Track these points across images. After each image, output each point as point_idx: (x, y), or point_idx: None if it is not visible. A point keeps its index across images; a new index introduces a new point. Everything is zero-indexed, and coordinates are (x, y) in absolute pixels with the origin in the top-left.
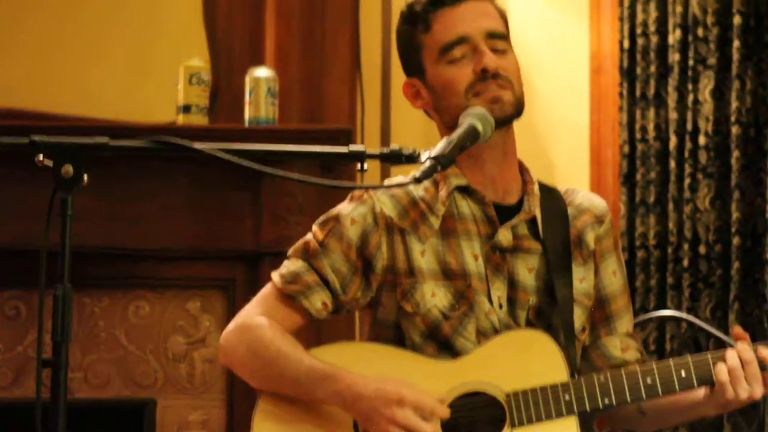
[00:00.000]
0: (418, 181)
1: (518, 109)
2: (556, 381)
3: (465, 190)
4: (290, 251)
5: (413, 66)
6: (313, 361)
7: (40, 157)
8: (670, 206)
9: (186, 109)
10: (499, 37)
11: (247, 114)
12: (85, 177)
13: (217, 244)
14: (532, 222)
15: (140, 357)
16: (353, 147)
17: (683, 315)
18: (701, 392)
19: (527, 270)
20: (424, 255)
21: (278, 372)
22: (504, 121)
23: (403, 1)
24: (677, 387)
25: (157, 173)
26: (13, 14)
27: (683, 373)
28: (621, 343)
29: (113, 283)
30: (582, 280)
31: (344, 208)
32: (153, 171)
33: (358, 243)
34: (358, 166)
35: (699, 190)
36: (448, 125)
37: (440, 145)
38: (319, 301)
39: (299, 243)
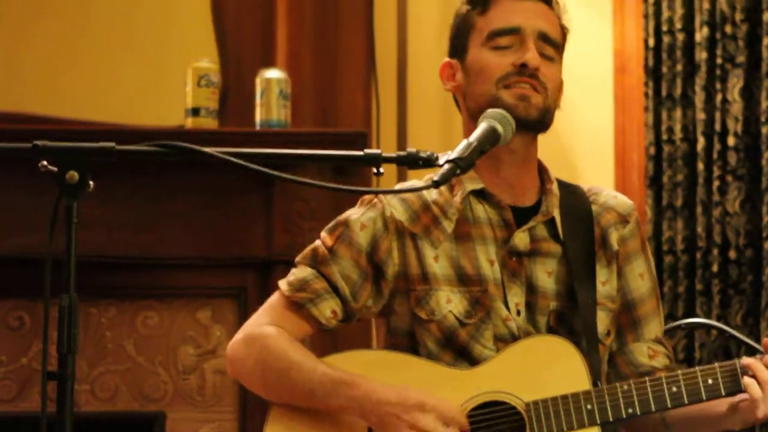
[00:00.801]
0: (437, 184)
1: (543, 116)
2: (577, 389)
3: (480, 194)
4: (298, 258)
5: (458, 47)
6: (327, 368)
7: (44, 162)
8: (699, 210)
9: (195, 112)
10: (551, 44)
11: (258, 117)
12: (91, 183)
13: (228, 252)
14: (551, 223)
15: (149, 369)
16: (369, 150)
17: (713, 322)
18: (725, 405)
19: (546, 274)
20: (437, 260)
21: (290, 382)
22: (526, 124)
23: (419, 2)
24: (704, 396)
25: (165, 179)
26: (22, 18)
27: (710, 381)
28: (648, 350)
29: (120, 293)
30: (605, 282)
31: (353, 213)
32: (160, 176)
33: (368, 249)
34: (374, 169)
35: (728, 192)
36: (471, 112)
37: (459, 148)
38: (328, 309)
39: (307, 249)
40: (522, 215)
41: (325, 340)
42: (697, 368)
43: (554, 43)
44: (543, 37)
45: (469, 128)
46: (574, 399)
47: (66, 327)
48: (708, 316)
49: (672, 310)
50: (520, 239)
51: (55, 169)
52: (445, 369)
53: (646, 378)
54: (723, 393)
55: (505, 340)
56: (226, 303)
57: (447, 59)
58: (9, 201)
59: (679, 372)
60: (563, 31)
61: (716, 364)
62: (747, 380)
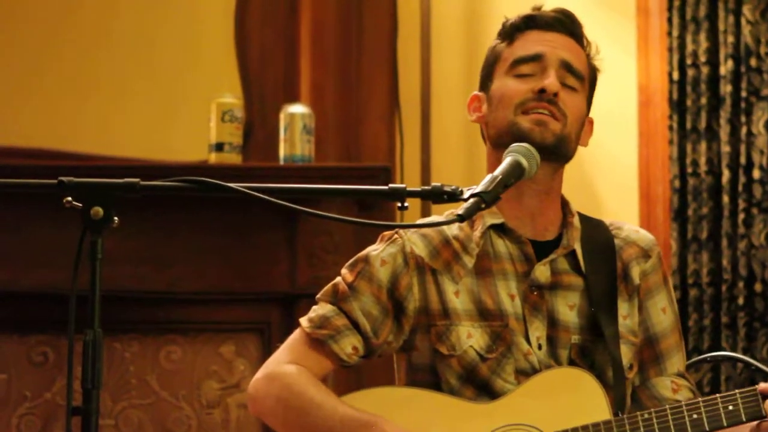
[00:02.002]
0: (461, 219)
1: (559, 143)
2: (598, 420)
3: (500, 228)
4: (319, 295)
5: (485, 79)
6: (348, 409)
7: (69, 198)
8: (724, 242)
9: (218, 147)
10: (574, 74)
11: (282, 152)
12: (116, 219)
13: (251, 286)
14: (572, 256)
15: (173, 403)
16: (394, 185)
17: (739, 355)
18: (747, 430)
19: (568, 307)
20: (458, 295)
21: (311, 422)
22: (542, 149)
23: (443, 36)
24: (725, 422)
25: (189, 213)
26: (42, 54)
27: (731, 407)
28: (672, 384)
29: (144, 328)
30: (626, 317)
31: (374, 249)
32: (184, 211)
33: (389, 284)
34: (399, 204)
35: (754, 225)
36: (492, 140)
37: (484, 182)
38: (349, 346)
39: (328, 286)
40: (543, 249)
41: (350, 376)
42: (717, 395)
43: (578, 74)
44: (566, 66)
45: (492, 159)
46: (595, 429)
47: (90, 362)
48: (734, 349)
49: (697, 343)
50: (541, 272)
51: (80, 205)
52: (467, 403)
53: (667, 406)
54: (744, 419)
55: (527, 374)
56: (250, 337)
57: (475, 92)
58: (33, 237)
59: (700, 399)
60: (591, 69)
61: (737, 391)
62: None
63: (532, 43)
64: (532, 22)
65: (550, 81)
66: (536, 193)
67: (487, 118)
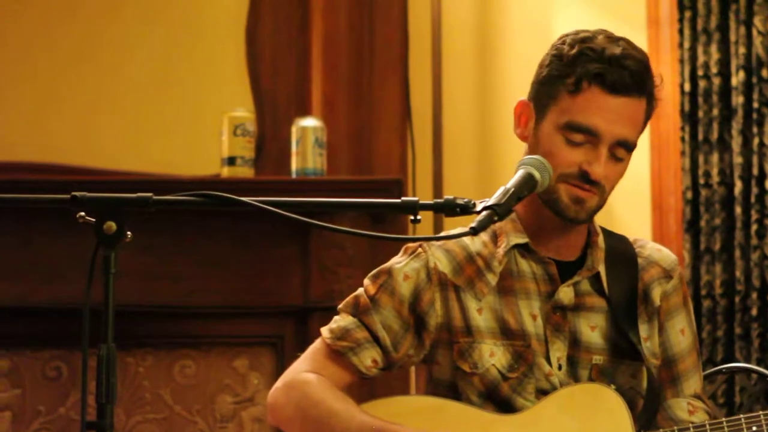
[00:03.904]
0: (474, 231)
1: (591, 216)
2: None
3: (524, 248)
4: (341, 306)
5: (539, 100)
6: (366, 416)
7: (82, 213)
8: (737, 253)
9: (231, 161)
10: (625, 147)
11: (294, 165)
12: (129, 233)
13: (265, 300)
14: (595, 277)
15: (187, 418)
16: (406, 197)
17: (754, 367)
18: None
19: (590, 328)
20: (481, 313)
21: (329, 430)
22: (573, 222)
23: (454, 48)
24: None
25: (201, 228)
26: (58, 69)
27: (754, 428)
28: (688, 405)
29: (158, 342)
30: (646, 339)
31: (397, 262)
32: (197, 225)
33: (411, 299)
34: (411, 217)
35: (767, 236)
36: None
37: (497, 195)
38: (368, 359)
39: (350, 297)
40: (566, 269)
41: (362, 386)
42: (741, 416)
43: (630, 147)
44: (620, 143)
45: None
46: None
47: (104, 377)
48: (747, 360)
49: (711, 354)
50: (565, 294)
51: (93, 219)
52: (487, 414)
53: (690, 425)
54: None
55: (548, 393)
56: (264, 351)
57: (525, 99)
58: (46, 252)
59: (723, 420)
60: (649, 111)
61: (761, 412)
62: None
63: (593, 110)
64: (600, 78)
65: (598, 170)
66: (564, 229)
67: (528, 148)
